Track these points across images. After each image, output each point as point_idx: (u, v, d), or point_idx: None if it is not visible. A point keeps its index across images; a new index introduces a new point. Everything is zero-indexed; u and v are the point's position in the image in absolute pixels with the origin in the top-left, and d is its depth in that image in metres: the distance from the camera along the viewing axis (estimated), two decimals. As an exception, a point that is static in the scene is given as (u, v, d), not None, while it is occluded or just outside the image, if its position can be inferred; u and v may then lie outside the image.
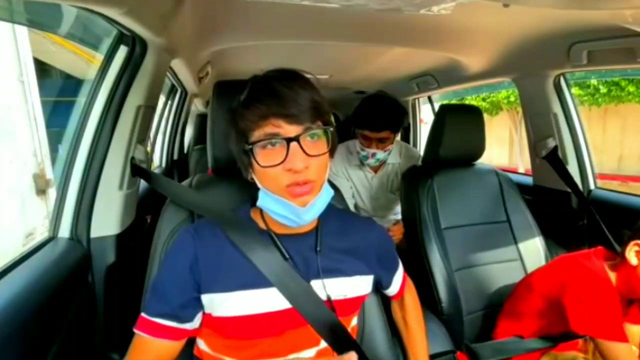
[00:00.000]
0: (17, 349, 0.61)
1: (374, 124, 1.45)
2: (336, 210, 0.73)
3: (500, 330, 1.09)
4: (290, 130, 0.56)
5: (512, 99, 8.08)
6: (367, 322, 0.78)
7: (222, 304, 0.60)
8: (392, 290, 0.81)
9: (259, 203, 0.62)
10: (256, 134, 0.57)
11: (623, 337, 0.84)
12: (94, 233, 0.94)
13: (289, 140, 0.56)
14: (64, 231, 0.91)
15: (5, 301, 0.62)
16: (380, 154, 1.52)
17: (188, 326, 0.61)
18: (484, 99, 8.52)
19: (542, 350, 1.00)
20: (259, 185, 0.62)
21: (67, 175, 0.92)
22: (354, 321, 0.72)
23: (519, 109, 8.73)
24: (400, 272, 0.81)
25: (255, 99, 0.57)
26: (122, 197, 0.98)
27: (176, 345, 0.61)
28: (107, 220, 0.96)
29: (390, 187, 1.69)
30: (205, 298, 0.60)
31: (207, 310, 0.61)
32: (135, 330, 0.60)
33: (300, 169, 0.56)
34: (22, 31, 3.04)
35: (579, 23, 1.07)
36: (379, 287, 0.80)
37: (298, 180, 0.57)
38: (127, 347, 0.61)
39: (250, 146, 0.57)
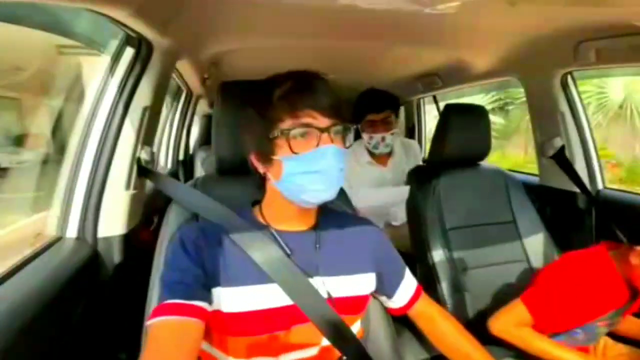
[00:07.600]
0: (25, 348, 0.61)
1: (377, 105, 1.64)
2: (334, 210, 0.74)
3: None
4: (323, 122, 0.60)
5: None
6: (372, 328, 0.77)
7: (225, 298, 0.60)
8: (398, 300, 0.76)
9: (283, 182, 0.61)
10: (289, 123, 0.59)
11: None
12: (101, 233, 0.95)
13: (322, 130, 0.59)
14: (72, 231, 0.92)
15: (13, 301, 0.62)
16: (389, 137, 1.66)
17: (204, 305, 0.58)
18: (454, 102, 8.88)
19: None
20: (273, 179, 0.63)
21: (74, 175, 0.93)
22: (359, 324, 0.71)
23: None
24: (408, 281, 0.77)
25: (295, 90, 0.60)
26: (129, 197, 0.99)
27: (199, 325, 0.56)
28: (114, 220, 0.97)
29: (403, 177, 1.72)
30: (212, 292, 0.60)
31: (213, 306, 0.60)
32: (150, 321, 0.55)
33: None
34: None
35: (586, 21, 1.05)
36: (381, 298, 0.77)
37: None
38: (134, 347, 0.61)
39: (286, 131, 0.59)
